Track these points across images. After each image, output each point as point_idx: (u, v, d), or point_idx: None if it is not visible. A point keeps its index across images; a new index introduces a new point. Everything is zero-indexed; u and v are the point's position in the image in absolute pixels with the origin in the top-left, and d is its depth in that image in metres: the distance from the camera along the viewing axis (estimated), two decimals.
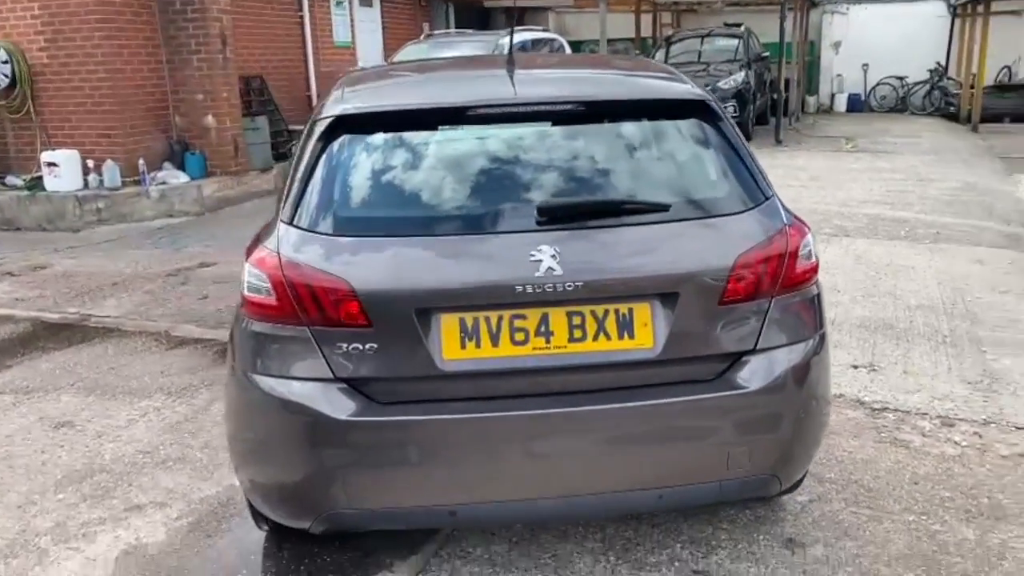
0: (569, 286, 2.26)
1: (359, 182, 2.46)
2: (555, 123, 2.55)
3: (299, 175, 2.49)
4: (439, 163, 2.50)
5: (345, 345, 2.30)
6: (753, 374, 2.38)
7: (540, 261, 2.27)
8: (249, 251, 2.50)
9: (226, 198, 9.42)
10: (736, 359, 2.40)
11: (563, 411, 2.30)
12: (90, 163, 8.85)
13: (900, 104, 18.28)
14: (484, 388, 2.33)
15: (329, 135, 2.51)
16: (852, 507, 3.11)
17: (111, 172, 8.78)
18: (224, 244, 7.70)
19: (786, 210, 2.54)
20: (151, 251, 7.65)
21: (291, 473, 2.40)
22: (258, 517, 2.81)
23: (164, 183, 9.08)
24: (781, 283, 2.41)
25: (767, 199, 2.51)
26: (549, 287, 2.25)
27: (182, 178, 9.25)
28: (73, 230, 8.54)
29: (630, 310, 2.32)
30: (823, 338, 2.55)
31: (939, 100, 17.62)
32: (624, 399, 2.32)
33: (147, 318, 5.65)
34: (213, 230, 8.39)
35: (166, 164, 9.35)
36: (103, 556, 2.95)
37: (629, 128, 2.60)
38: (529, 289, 2.25)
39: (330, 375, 2.32)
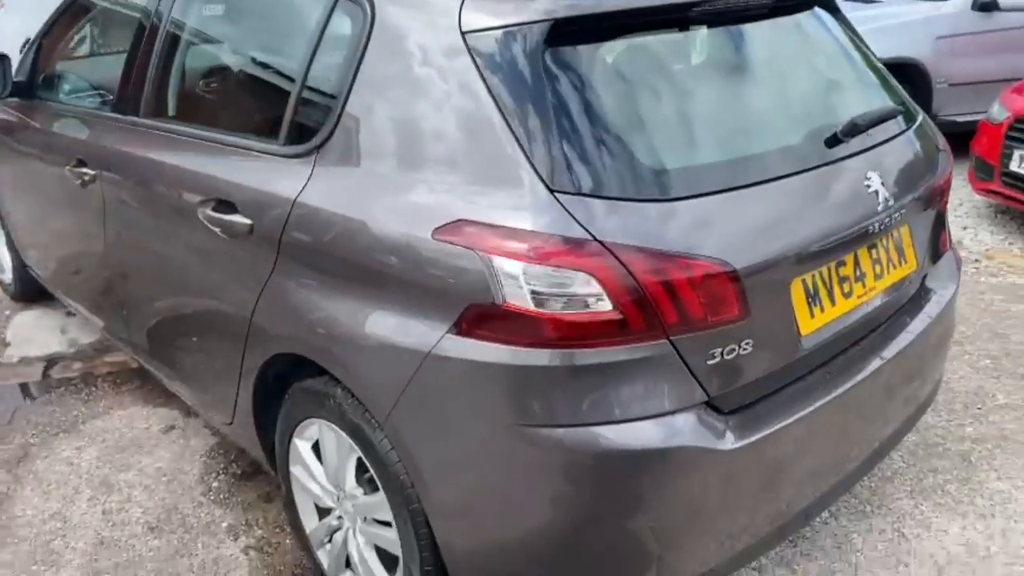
0: (897, 215, 2.00)
1: (639, 116, 1.78)
2: (770, 15, 2.08)
3: (528, 113, 1.64)
4: (709, 82, 1.97)
5: (719, 350, 1.68)
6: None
7: (877, 191, 1.93)
8: (499, 240, 1.60)
9: None
10: None
11: (893, 355, 2.04)
12: None
13: None
14: (823, 357, 1.95)
15: (554, 47, 1.69)
16: None
17: None
18: None
19: None
20: None
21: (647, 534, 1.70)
22: None
23: None
24: None
25: None
26: (884, 220, 1.95)
27: None
28: None
29: (898, 231, 2.11)
30: None
31: None
32: (910, 327, 2.14)
33: None
34: None
35: None
36: None
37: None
38: (875, 226, 1.93)
39: (701, 397, 1.69)
